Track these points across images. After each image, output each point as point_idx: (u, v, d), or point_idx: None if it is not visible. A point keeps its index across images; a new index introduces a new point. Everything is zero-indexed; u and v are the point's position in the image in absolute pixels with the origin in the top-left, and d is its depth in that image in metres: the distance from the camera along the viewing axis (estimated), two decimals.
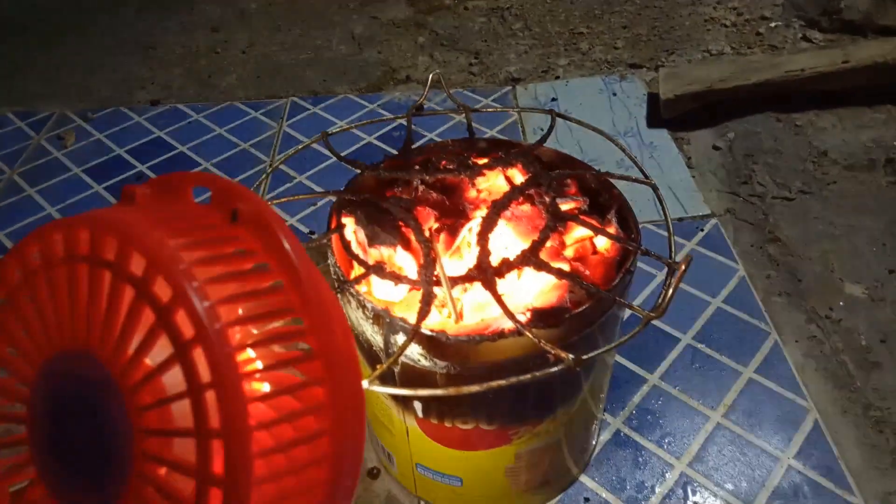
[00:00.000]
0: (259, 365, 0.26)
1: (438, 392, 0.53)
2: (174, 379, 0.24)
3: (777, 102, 1.34)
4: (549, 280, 0.67)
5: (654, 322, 1.03)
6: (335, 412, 0.27)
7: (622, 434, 0.90)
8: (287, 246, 0.27)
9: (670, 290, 0.59)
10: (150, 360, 0.25)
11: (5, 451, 0.29)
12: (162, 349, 0.24)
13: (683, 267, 0.59)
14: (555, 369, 0.53)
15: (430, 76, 0.83)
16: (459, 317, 0.64)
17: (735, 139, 1.32)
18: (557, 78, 1.62)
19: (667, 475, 0.85)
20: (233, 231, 0.28)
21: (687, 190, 1.27)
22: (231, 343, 0.24)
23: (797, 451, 0.86)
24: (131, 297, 0.25)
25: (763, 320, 1.02)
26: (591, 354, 0.55)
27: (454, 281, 0.60)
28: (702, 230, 1.18)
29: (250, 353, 0.26)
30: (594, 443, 0.89)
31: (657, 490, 0.84)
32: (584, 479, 0.86)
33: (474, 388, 0.53)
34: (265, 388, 0.26)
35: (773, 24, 1.58)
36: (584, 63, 1.66)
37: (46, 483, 0.27)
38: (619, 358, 0.99)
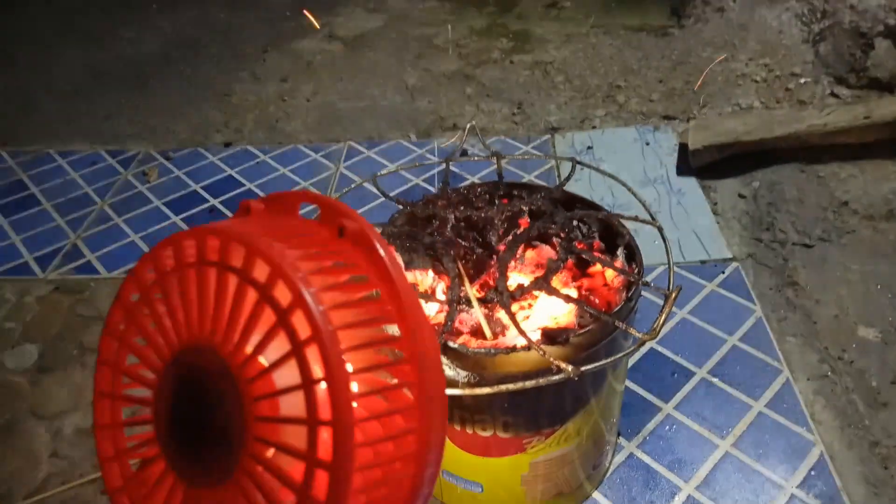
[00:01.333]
0: (349, 367, 0.28)
1: (457, 391, 0.63)
2: (284, 374, 0.27)
3: (801, 154, 1.41)
4: (562, 305, 0.77)
5: (672, 356, 1.11)
6: (422, 413, 0.30)
7: (635, 457, 0.97)
8: (386, 260, 0.30)
9: (662, 316, 0.68)
10: (264, 358, 0.28)
11: (132, 430, 0.33)
12: (273, 349, 0.27)
13: (673, 295, 0.68)
14: (557, 377, 0.63)
15: (467, 126, 0.95)
16: (494, 336, 0.75)
17: (760, 188, 1.39)
18: (594, 127, 1.73)
19: (675, 497, 0.92)
20: (339, 245, 0.31)
21: (711, 235, 1.34)
22: (341, 345, 0.27)
23: (801, 480, 0.91)
24: (254, 299, 0.27)
25: (777, 359, 1.08)
26: (590, 367, 0.64)
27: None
28: (723, 273, 1.25)
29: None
30: (608, 464, 0.96)
31: None
32: (597, 495, 0.93)
33: (486, 390, 0.63)
34: (355, 387, 0.28)
35: (802, 81, 1.65)
36: (621, 114, 1.77)
37: (167, 459, 0.30)
38: (636, 388, 1.06)
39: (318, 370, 0.27)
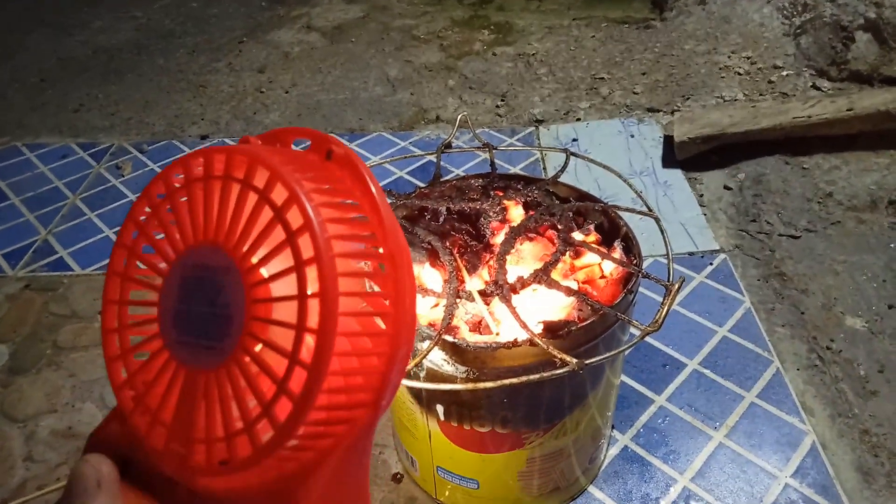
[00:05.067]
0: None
1: (458, 386, 0.62)
2: (278, 264, 0.31)
3: (786, 146, 1.41)
4: (561, 298, 0.75)
5: (663, 348, 1.10)
6: (396, 318, 0.33)
7: (630, 450, 0.97)
8: (368, 179, 0.34)
9: (665, 308, 0.67)
10: (263, 250, 0.31)
11: (136, 332, 0.35)
12: (269, 243, 0.31)
13: (676, 286, 0.67)
14: (561, 371, 0.61)
15: (459, 117, 0.93)
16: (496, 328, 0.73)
17: (745, 180, 1.39)
18: (578, 120, 1.73)
19: (670, 489, 0.91)
20: (327, 165, 0.36)
21: (698, 226, 1.34)
22: (328, 232, 0.31)
23: (794, 470, 0.92)
24: (255, 200, 0.31)
25: (766, 349, 1.08)
26: (594, 360, 0.63)
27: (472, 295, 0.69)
28: (711, 264, 1.25)
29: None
30: (603, 457, 0.95)
31: (661, 502, 0.90)
32: (592, 489, 0.92)
33: (489, 385, 0.61)
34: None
35: (784, 73, 1.66)
36: (605, 106, 1.76)
37: (170, 350, 0.33)
38: (628, 380, 1.05)
39: (310, 252, 0.30)
